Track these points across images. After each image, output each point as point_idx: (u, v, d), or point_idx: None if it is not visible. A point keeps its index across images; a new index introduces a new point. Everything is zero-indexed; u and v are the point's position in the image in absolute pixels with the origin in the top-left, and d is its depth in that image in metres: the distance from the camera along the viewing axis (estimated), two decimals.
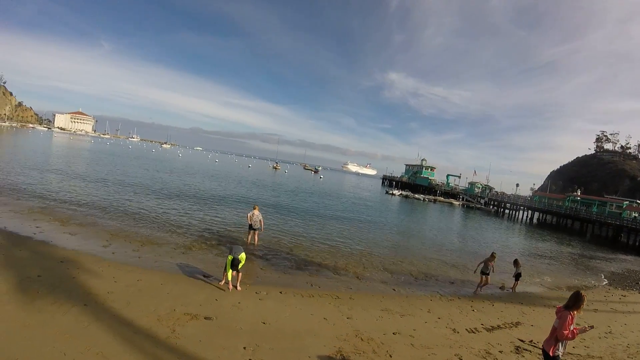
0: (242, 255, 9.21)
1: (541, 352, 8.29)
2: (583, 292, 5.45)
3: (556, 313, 5.61)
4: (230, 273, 9.30)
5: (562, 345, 5.44)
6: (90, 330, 6.30)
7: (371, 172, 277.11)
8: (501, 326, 9.81)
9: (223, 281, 9.62)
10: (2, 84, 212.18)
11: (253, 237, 14.70)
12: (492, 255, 13.75)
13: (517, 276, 14.19)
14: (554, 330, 5.45)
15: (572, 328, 5.27)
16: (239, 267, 9.23)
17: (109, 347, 5.85)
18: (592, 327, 5.74)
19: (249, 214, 14.29)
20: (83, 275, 8.84)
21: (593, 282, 17.87)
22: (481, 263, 13.72)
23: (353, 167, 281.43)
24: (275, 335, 7.23)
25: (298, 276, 12.02)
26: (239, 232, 17.08)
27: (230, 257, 9.09)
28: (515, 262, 14.55)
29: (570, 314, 5.32)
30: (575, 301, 5.41)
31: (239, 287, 9.61)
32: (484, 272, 13.52)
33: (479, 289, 13.60)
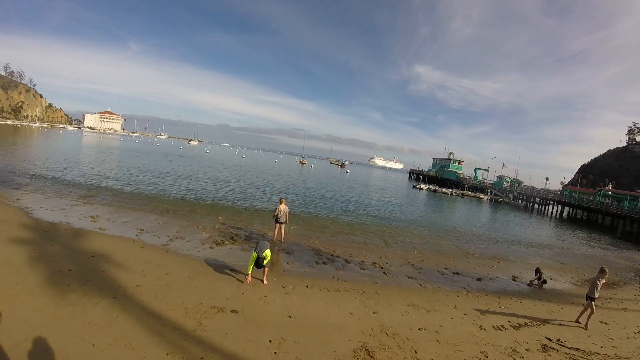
0: (267, 252, 9.23)
1: (568, 351, 8.07)
2: None
3: None
4: (252, 268, 9.38)
5: None
6: (119, 322, 6.45)
7: (398, 166, 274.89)
8: (528, 324, 9.53)
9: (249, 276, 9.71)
10: (32, 87, 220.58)
11: (279, 231, 14.72)
12: (602, 271, 9.77)
13: (543, 282, 13.78)
14: None
15: None
16: (265, 263, 9.28)
17: (137, 339, 5.98)
18: None
19: (276, 209, 14.29)
20: (113, 269, 9.07)
21: (623, 279, 17.14)
22: (591, 286, 9.92)
23: (380, 162, 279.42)
24: (301, 329, 7.24)
25: (324, 270, 11.99)
26: (265, 226, 17.19)
27: (254, 255, 9.14)
28: (537, 271, 14.13)
29: None
30: None
31: (265, 281, 9.69)
32: (591, 297, 9.73)
33: (581, 318, 10.09)
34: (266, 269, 9.67)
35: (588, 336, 9.19)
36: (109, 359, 5.37)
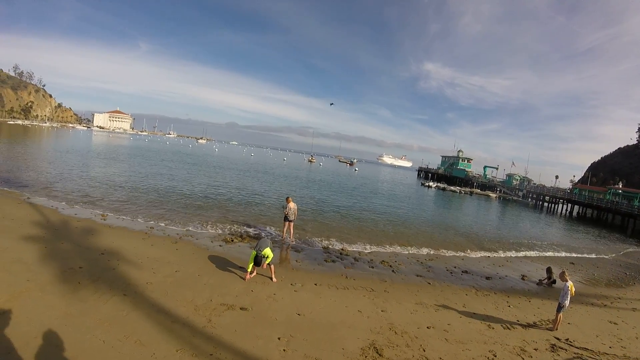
0: (267, 251, 9.16)
1: (577, 351, 8.00)
2: None
3: None
4: (251, 266, 9.35)
5: None
6: (129, 319, 6.52)
7: (406, 164, 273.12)
8: (537, 323, 9.49)
9: (253, 273, 9.75)
10: (41, 87, 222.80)
11: (288, 229, 14.75)
12: None
13: (552, 282, 13.67)
14: None
15: None
16: (267, 261, 9.23)
17: (147, 335, 6.04)
18: None
19: (285, 208, 14.30)
20: (123, 266, 9.16)
21: (632, 279, 16.91)
22: None
23: (388, 159, 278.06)
24: (310, 326, 7.27)
25: (333, 268, 11.99)
26: (274, 224, 17.23)
27: (253, 253, 9.12)
28: (549, 271, 14.01)
29: None
30: None
31: (274, 279, 9.71)
32: None
33: None
34: (273, 267, 9.70)
35: (597, 336, 9.12)
36: (120, 355, 5.43)
